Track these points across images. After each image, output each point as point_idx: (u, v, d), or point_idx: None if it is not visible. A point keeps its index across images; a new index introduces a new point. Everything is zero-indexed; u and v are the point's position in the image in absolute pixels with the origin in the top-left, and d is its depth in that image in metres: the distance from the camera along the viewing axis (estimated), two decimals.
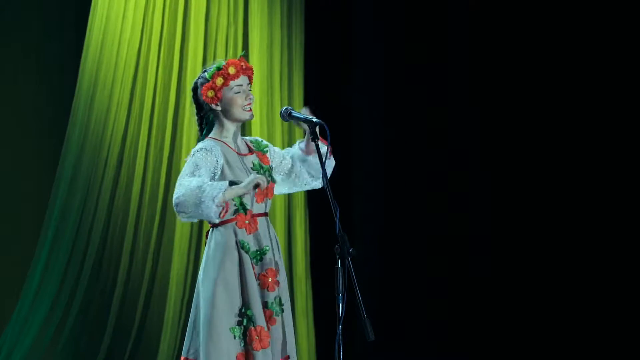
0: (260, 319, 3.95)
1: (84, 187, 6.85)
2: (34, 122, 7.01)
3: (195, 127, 7.00)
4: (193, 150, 4.09)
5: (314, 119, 3.96)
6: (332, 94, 7.67)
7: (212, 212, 3.83)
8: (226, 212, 3.90)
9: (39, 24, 7.03)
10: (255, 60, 7.24)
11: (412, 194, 7.71)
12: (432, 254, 7.61)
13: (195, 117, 4.25)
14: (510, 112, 7.49)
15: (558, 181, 7.32)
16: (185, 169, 4.01)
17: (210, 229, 4.11)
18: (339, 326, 3.70)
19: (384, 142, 7.87)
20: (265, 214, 4.12)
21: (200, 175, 3.95)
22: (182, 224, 6.92)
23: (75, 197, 6.80)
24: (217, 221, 3.95)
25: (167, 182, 7.00)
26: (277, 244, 4.16)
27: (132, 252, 6.97)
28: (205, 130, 4.21)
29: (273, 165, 4.24)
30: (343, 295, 3.71)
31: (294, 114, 4.08)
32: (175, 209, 3.91)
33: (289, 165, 4.29)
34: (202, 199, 3.82)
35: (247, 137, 4.29)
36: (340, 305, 3.71)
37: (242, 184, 3.88)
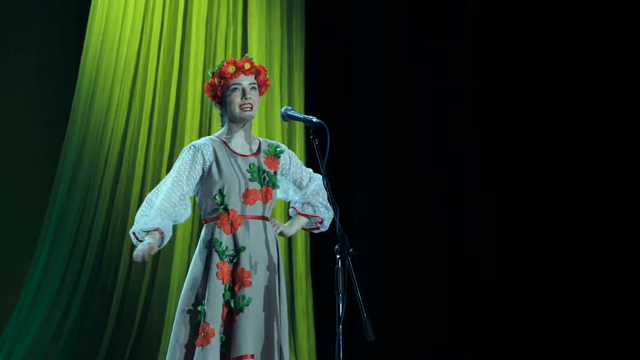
0: (211, 316, 3.97)
1: (84, 187, 6.84)
2: (34, 122, 7.01)
3: (196, 127, 7.08)
4: (185, 147, 4.14)
5: (314, 119, 3.96)
6: (332, 93, 7.67)
7: (131, 235, 4.15)
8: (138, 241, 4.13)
9: (39, 24, 7.03)
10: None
11: (412, 193, 7.70)
12: (432, 254, 7.61)
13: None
14: (510, 112, 7.49)
15: (558, 181, 7.32)
16: (174, 168, 4.10)
17: None
18: (339, 326, 3.69)
19: (384, 142, 7.86)
20: (260, 217, 4.11)
21: (180, 181, 4.03)
22: (182, 223, 6.91)
23: (75, 197, 6.80)
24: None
25: None
26: (277, 246, 4.15)
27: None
28: None
29: (284, 171, 4.24)
30: (343, 295, 3.71)
31: (294, 114, 4.07)
32: None
33: (301, 182, 4.30)
34: (137, 218, 4.10)
35: (267, 140, 4.28)
36: (340, 305, 3.71)
37: (140, 244, 4.12)
